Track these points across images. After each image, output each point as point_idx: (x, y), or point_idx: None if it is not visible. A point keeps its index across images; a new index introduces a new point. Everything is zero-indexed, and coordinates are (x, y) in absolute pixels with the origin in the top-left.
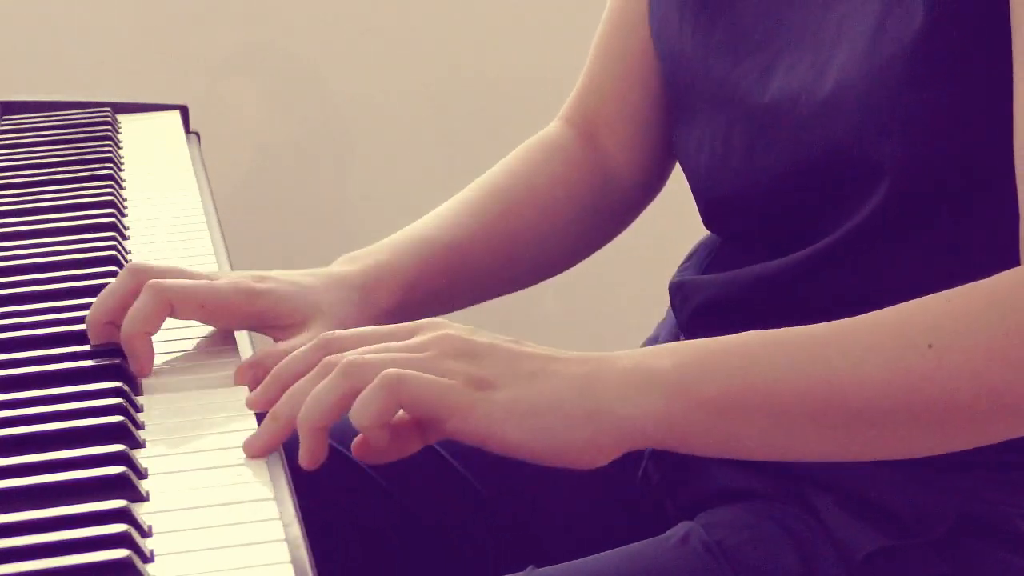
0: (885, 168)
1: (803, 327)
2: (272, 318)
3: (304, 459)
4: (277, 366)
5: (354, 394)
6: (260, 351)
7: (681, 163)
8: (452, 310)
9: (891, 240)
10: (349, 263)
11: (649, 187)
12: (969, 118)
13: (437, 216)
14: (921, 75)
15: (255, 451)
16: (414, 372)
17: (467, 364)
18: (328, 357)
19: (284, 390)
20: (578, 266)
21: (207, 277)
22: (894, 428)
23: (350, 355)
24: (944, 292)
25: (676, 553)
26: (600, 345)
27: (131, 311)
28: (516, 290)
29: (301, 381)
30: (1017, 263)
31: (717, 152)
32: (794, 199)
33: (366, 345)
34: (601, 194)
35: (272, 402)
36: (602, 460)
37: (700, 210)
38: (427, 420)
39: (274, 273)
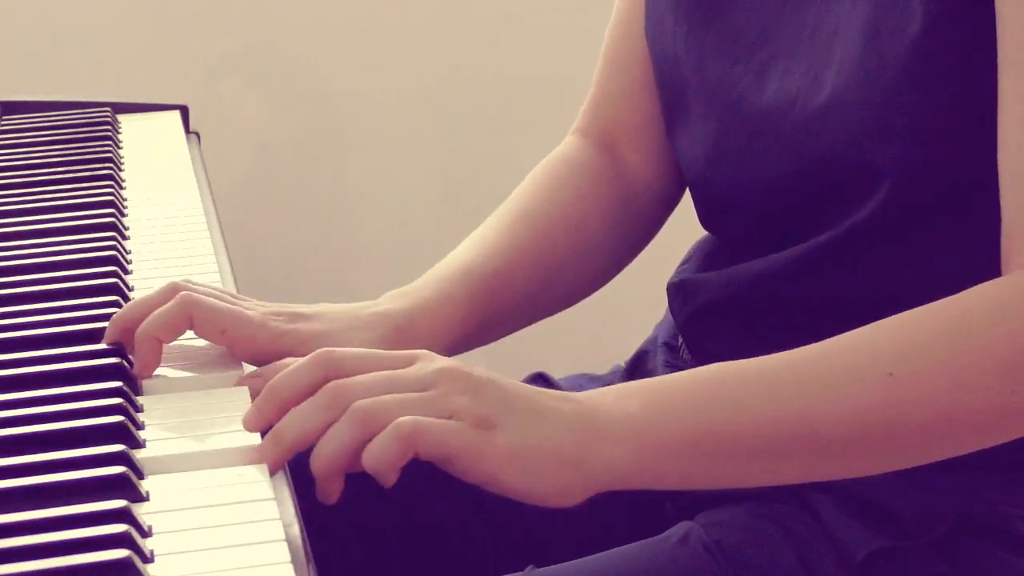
0: (885, 170)
1: (766, 358)
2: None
3: (322, 498)
4: (273, 380)
5: (368, 439)
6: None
7: (681, 162)
8: (489, 342)
9: (891, 239)
10: (397, 299)
11: (670, 194)
12: (969, 118)
13: (473, 245)
14: (921, 76)
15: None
16: (428, 420)
17: (471, 401)
18: (332, 387)
19: (280, 407)
20: None
21: (245, 305)
22: (855, 454)
23: (361, 401)
24: (911, 312)
25: (676, 553)
26: (600, 345)
27: (153, 314)
28: (550, 315)
29: (305, 405)
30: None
31: (715, 154)
32: (793, 201)
33: (364, 365)
34: (626, 206)
35: (268, 420)
36: (577, 501)
37: (698, 212)
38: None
39: (315, 310)
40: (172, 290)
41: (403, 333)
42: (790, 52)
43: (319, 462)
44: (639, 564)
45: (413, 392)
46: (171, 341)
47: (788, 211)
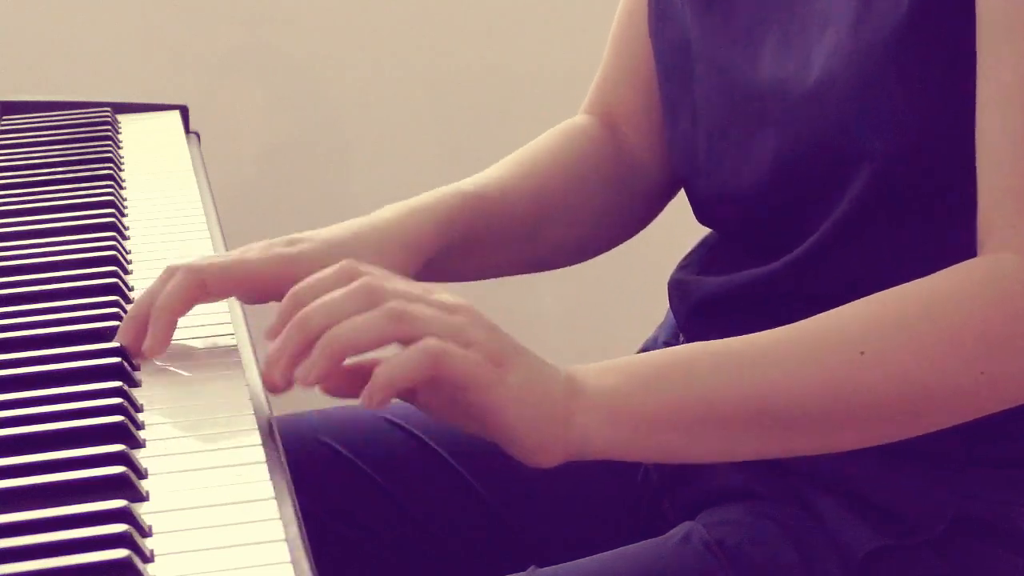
0: (868, 155)
1: (745, 337)
2: None
3: (308, 373)
4: (296, 287)
5: (394, 340)
6: None
7: (673, 154)
8: (488, 266)
9: (882, 228)
10: (386, 211)
11: (668, 180)
12: (953, 106)
13: (475, 176)
14: (907, 60)
15: (279, 366)
16: (455, 348)
17: (488, 336)
18: (367, 281)
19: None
20: (578, 265)
21: (240, 251)
22: (829, 430)
23: (398, 301)
24: (880, 294)
25: (677, 552)
26: (599, 345)
27: (166, 290)
28: (544, 264)
29: (338, 293)
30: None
31: (713, 139)
32: (785, 187)
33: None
34: (626, 178)
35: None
36: (553, 462)
37: (693, 205)
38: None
39: (305, 234)
40: (172, 273)
41: (402, 235)
42: (784, 36)
43: (334, 340)
44: (640, 564)
45: (440, 311)
46: (185, 313)
47: (781, 200)
